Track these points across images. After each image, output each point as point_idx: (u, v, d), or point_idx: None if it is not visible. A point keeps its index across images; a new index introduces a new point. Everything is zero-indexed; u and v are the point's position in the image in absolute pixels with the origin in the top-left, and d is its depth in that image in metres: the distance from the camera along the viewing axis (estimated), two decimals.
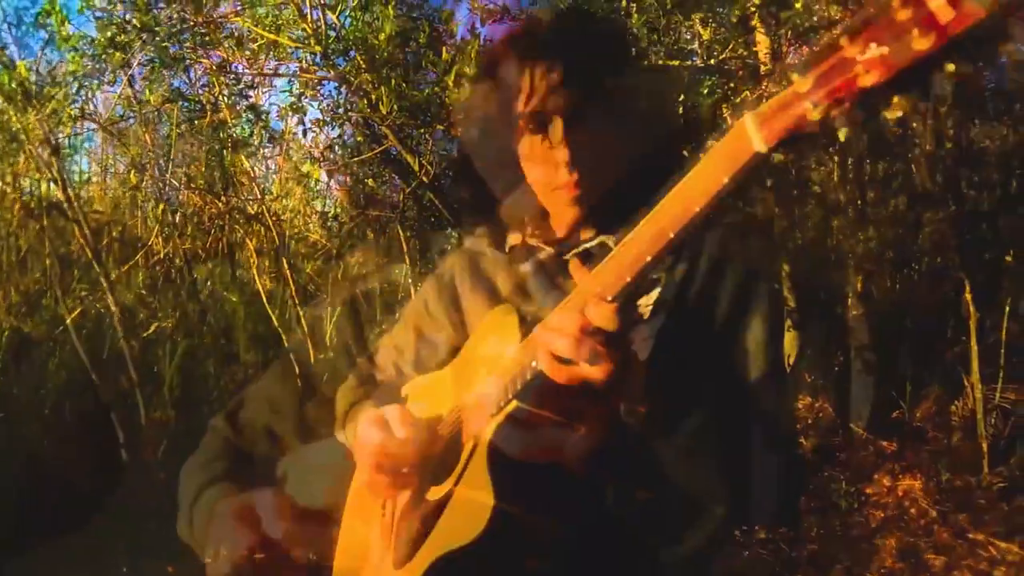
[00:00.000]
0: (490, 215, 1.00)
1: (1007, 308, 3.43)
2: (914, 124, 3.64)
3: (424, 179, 3.17)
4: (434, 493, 0.88)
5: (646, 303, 0.85)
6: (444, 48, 2.86)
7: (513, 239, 0.99)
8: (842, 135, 0.54)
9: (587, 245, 0.93)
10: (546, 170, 0.90)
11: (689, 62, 3.46)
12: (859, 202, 4.02)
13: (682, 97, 3.19)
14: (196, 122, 3.09)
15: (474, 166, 0.98)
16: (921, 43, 0.48)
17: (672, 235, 0.63)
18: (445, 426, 0.92)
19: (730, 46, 3.37)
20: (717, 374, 0.84)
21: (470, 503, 0.81)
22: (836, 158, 3.75)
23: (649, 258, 0.65)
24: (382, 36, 2.86)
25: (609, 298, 0.67)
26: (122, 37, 2.58)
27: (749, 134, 0.57)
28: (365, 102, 2.89)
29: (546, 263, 0.95)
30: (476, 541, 0.78)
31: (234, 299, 3.46)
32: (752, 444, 0.82)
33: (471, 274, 1.04)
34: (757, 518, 0.91)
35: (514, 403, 0.79)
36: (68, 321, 2.62)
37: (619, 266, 0.67)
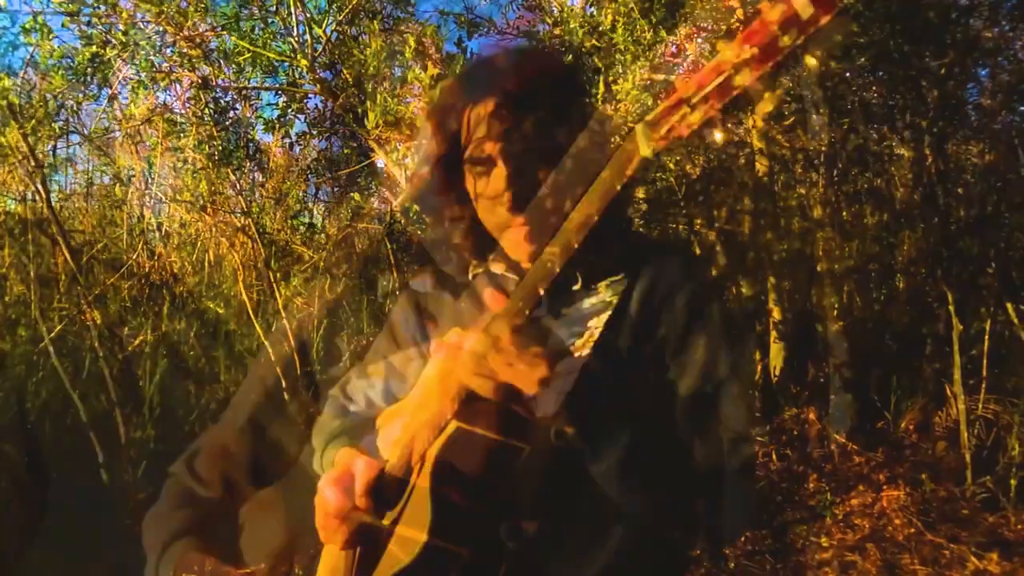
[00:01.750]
0: (451, 245, 1.02)
1: (989, 321, 3.47)
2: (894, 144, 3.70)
3: None
4: (389, 517, 0.90)
5: (587, 339, 0.86)
6: (430, 63, 2.86)
7: (475, 267, 1.01)
8: (718, 136, 0.59)
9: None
10: (494, 211, 0.91)
11: (674, 76, 3.49)
12: (843, 214, 4.07)
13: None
14: (181, 136, 3.07)
15: (428, 203, 1.00)
16: (786, 40, 0.54)
17: (576, 244, 0.69)
18: (400, 455, 0.93)
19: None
20: (654, 398, 0.86)
21: (412, 527, 0.83)
22: (821, 170, 3.80)
23: (557, 269, 0.70)
24: (368, 51, 2.86)
25: (527, 312, 0.73)
26: (106, 51, 2.56)
27: (638, 141, 0.61)
28: (351, 116, 2.89)
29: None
30: (413, 565, 0.80)
31: (220, 311, 3.43)
32: (696, 465, 0.84)
33: (437, 303, 1.05)
34: (701, 538, 0.92)
35: (453, 423, 0.81)
36: (48, 338, 2.58)
37: (533, 283, 0.72)
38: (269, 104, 3.35)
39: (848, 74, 3.85)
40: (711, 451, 0.84)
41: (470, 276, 1.01)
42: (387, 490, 0.92)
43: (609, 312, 0.87)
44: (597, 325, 0.85)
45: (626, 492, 0.82)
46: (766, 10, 0.54)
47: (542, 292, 0.72)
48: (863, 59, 3.66)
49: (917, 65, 3.45)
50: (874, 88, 3.99)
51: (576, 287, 0.90)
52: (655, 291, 0.89)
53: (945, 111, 3.60)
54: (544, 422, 0.78)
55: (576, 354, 0.84)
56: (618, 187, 0.65)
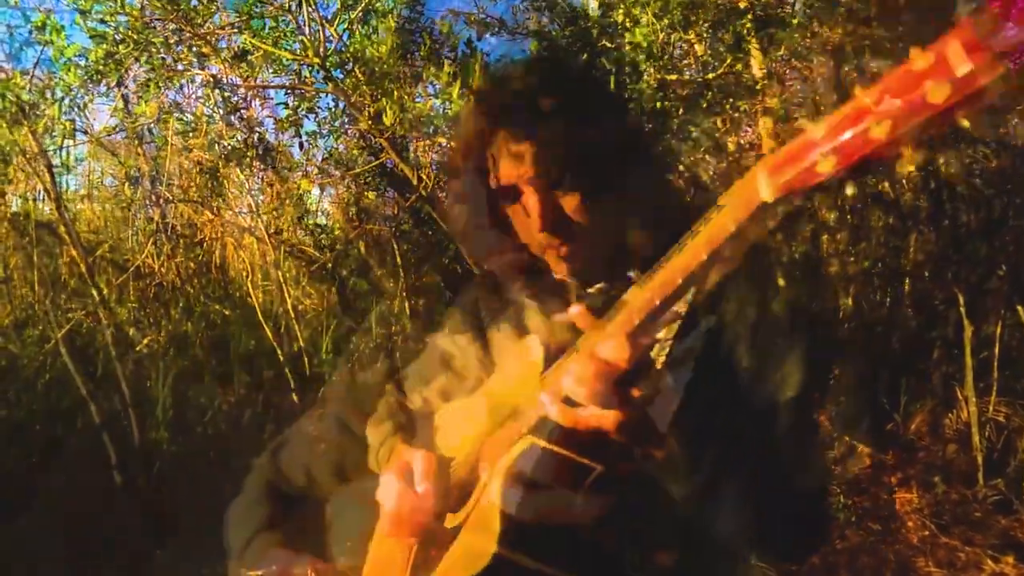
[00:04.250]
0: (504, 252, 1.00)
1: (999, 323, 3.48)
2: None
3: (422, 192, 3.15)
4: (451, 520, 0.89)
5: (659, 352, 0.84)
6: (446, 62, 2.85)
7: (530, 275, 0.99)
8: (850, 190, 0.54)
9: (592, 290, 0.93)
10: (530, 234, 0.91)
11: (686, 77, 3.50)
12: (849, 217, 4.08)
13: (683, 112, 3.21)
14: (190, 135, 3.04)
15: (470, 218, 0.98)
16: (935, 96, 0.46)
17: (680, 281, 0.64)
18: (466, 460, 0.91)
19: (727, 61, 3.41)
20: (741, 423, 0.82)
21: (477, 537, 0.82)
22: None
23: (658, 302, 0.66)
24: (383, 49, 2.84)
25: (630, 339, 0.68)
26: (120, 49, 2.53)
27: (758, 183, 0.57)
28: (366, 115, 2.87)
29: (565, 299, 0.94)
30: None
31: (227, 312, 3.40)
32: (774, 487, 0.81)
33: (497, 306, 1.03)
34: (775, 557, 0.91)
35: (528, 439, 0.79)
36: (59, 337, 2.54)
37: (629, 312, 0.68)
38: (280, 103, 3.33)
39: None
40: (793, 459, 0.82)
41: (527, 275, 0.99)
42: (450, 488, 0.90)
43: (678, 323, 0.85)
44: (667, 337, 0.84)
45: (710, 513, 0.79)
46: (914, 58, 0.47)
47: (636, 323, 0.67)
48: (871, 61, 3.68)
49: None
50: None
51: None
52: (722, 298, 0.87)
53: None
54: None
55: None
56: (732, 229, 0.60)
